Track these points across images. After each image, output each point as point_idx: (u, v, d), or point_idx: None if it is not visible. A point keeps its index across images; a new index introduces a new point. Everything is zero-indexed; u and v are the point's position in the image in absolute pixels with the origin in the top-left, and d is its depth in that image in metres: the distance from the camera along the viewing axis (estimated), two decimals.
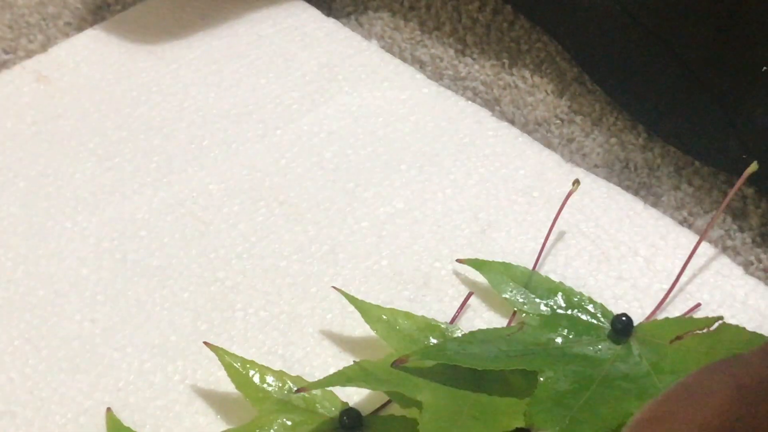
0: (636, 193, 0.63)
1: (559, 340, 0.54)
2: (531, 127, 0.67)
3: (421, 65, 0.72)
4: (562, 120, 0.67)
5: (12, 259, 0.61)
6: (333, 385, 0.50)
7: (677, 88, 0.63)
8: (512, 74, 0.70)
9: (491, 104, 0.69)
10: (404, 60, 0.73)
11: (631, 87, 0.65)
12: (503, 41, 0.72)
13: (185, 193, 0.64)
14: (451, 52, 0.73)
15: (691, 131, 0.62)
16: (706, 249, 0.60)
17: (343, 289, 0.56)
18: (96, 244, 0.61)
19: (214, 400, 0.54)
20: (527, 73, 0.70)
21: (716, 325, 0.53)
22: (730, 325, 0.53)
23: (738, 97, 0.60)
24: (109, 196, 0.64)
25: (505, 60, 0.71)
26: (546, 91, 0.69)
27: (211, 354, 0.53)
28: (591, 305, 0.56)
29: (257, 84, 0.71)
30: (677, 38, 0.62)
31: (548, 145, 0.66)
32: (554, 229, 0.60)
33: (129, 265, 0.60)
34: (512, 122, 0.68)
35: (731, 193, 0.57)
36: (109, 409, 0.53)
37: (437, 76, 0.71)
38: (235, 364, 0.53)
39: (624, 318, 0.54)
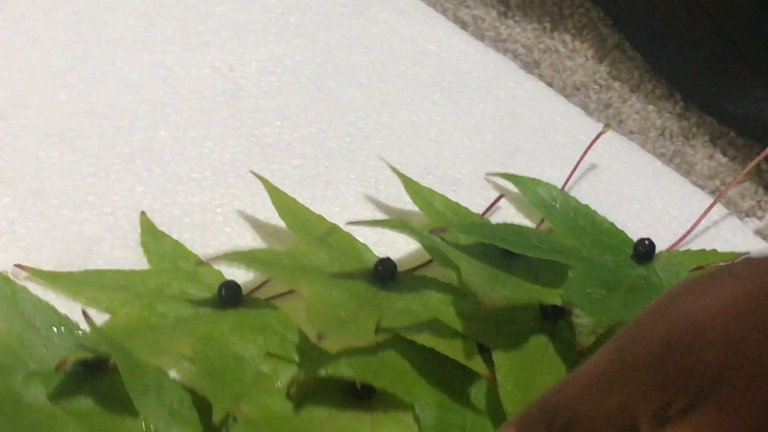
0: (670, 160, 0.65)
1: (584, 251, 0.55)
2: (569, 92, 0.69)
3: (463, 25, 0.74)
4: (600, 85, 0.70)
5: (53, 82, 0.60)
6: (372, 226, 0.51)
7: (716, 57, 0.66)
8: (553, 38, 0.72)
9: (530, 67, 0.71)
10: (446, 19, 0.74)
11: (670, 55, 0.68)
12: (545, 5, 0.74)
13: (225, 60, 0.64)
14: (494, 13, 0.75)
15: (729, 101, 0.65)
16: (721, 210, 0.63)
17: (384, 159, 0.57)
18: (134, 92, 0.61)
19: (252, 225, 0.54)
20: (568, 38, 0.72)
21: (741, 259, 0.55)
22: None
23: None
24: (150, 50, 0.63)
25: (546, 24, 0.73)
26: (586, 56, 0.71)
27: (249, 191, 0.53)
28: (614, 230, 0.57)
29: None
30: (718, 8, 0.65)
31: (585, 109, 0.68)
32: (585, 161, 0.62)
33: (168, 109, 0.60)
34: (551, 85, 0.70)
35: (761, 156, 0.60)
36: (143, 213, 0.52)
37: (479, 37, 0.73)
38: (278, 195, 0.53)
39: (647, 242, 0.56)
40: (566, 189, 0.61)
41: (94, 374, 0.43)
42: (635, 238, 0.59)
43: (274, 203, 0.52)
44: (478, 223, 0.55)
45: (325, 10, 0.71)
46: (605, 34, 0.72)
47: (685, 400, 0.34)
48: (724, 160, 0.65)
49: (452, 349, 0.46)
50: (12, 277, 0.47)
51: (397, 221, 0.52)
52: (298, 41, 0.68)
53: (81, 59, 0.61)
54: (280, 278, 0.48)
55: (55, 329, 0.44)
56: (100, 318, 0.46)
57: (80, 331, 0.44)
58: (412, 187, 0.56)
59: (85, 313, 0.42)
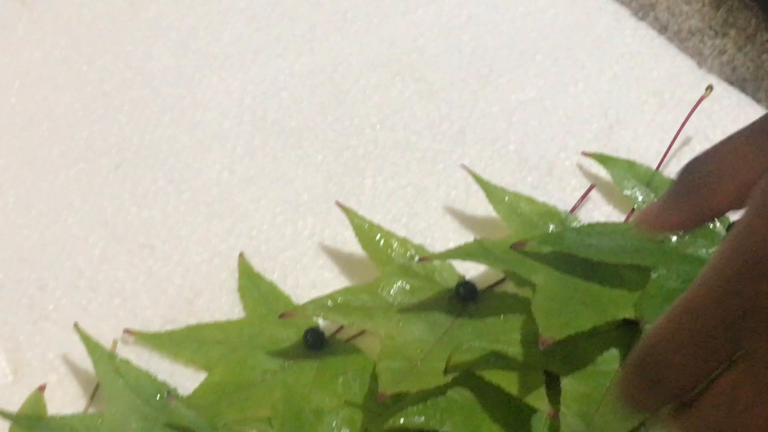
0: None
1: (674, 239, 0.55)
2: (684, 36, 0.68)
3: None
4: (716, 32, 0.68)
5: (160, 105, 0.64)
6: (453, 258, 0.53)
7: None
8: None
9: (647, 9, 0.69)
10: None
11: None
12: None
13: (326, 61, 0.67)
14: None
15: None
16: None
17: (469, 168, 0.58)
18: (239, 100, 0.64)
19: (339, 257, 0.57)
20: None
21: None
22: None
23: None
24: (254, 56, 0.67)
25: None
26: (703, 2, 0.69)
27: (340, 215, 0.56)
28: None
29: None
30: None
31: (699, 55, 0.67)
32: (681, 133, 0.62)
33: (268, 123, 0.63)
34: (665, 29, 0.68)
35: None
36: (241, 254, 0.57)
37: None
38: (363, 226, 0.56)
39: None
40: (667, 157, 0.61)
41: None
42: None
43: (357, 236, 0.55)
44: (557, 233, 0.56)
45: None
46: None
47: None
48: None
49: (512, 384, 0.48)
50: (122, 342, 0.53)
51: (472, 246, 0.53)
52: (401, 23, 0.69)
53: (186, 83, 0.65)
54: (356, 325, 0.51)
55: (157, 397, 0.50)
56: (197, 376, 0.51)
57: (176, 401, 0.49)
58: (495, 195, 0.57)
59: (169, 395, 0.47)
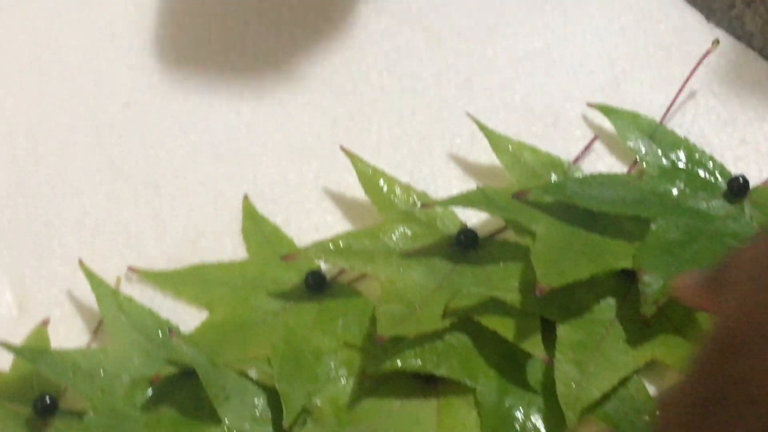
0: None
1: (675, 191, 0.56)
2: None
3: None
4: None
5: (168, 47, 0.64)
6: (455, 205, 0.54)
7: None
8: None
9: None
10: None
11: None
12: None
13: None
14: None
15: None
16: None
17: (474, 117, 0.59)
18: None
19: (342, 202, 0.58)
20: None
21: None
22: None
23: None
24: None
25: None
26: None
27: (344, 160, 0.57)
28: (711, 163, 0.57)
29: None
30: None
31: (708, 8, 0.67)
32: (687, 86, 0.62)
33: (275, 66, 0.64)
34: None
35: None
36: (246, 196, 0.57)
37: None
38: (367, 171, 0.56)
39: (741, 179, 0.56)
40: (671, 110, 0.61)
41: (188, 380, 0.49)
42: (738, 163, 0.59)
43: (361, 181, 0.56)
44: (559, 183, 0.56)
45: None
46: None
47: None
48: None
49: (509, 330, 0.49)
50: (125, 279, 0.54)
51: (475, 194, 0.54)
52: None
53: (181, 35, 0.66)
54: (358, 269, 0.52)
55: (159, 334, 0.51)
56: (199, 315, 0.52)
57: (177, 338, 0.50)
58: (499, 144, 0.58)
59: (171, 332, 0.48)
